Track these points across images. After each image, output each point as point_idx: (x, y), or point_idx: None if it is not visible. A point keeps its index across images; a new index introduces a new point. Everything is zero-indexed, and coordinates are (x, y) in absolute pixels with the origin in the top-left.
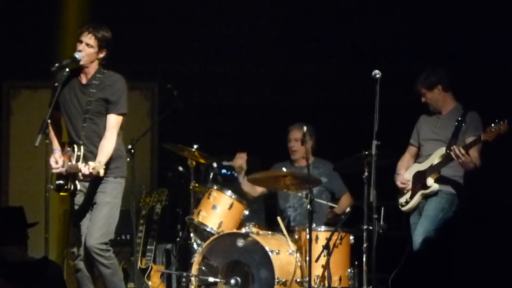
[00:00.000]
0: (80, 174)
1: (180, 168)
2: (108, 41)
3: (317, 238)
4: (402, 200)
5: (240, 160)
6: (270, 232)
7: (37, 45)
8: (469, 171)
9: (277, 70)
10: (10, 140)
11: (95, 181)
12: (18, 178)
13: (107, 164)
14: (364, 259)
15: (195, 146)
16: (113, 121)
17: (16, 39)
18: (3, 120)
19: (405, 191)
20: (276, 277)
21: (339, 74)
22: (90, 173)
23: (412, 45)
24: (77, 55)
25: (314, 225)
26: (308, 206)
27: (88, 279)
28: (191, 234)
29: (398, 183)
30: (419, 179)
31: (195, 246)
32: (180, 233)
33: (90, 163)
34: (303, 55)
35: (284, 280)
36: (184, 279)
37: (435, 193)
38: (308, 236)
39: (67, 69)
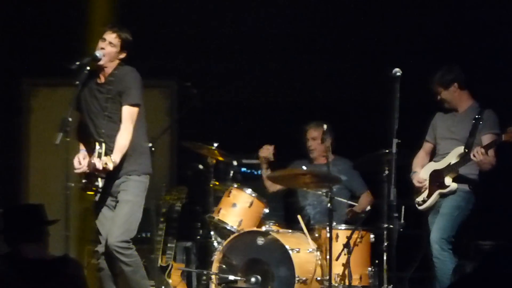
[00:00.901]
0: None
1: (200, 166)
2: (129, 43)
3: (337, 236)
4: (419, 199)
5: (267, 151)
6: (290, 230)
7: (56, 43)
8: (485, 170)
9: (296, 68)
10: (29, 138)
11: (118, 179)
12: (38, 176)
13: (130, 162)
14: (384, 257)
15: (214, 144)
16: (127, 113)
17: (35, 37)
18: (22, 118)
19: (422, 190)
20: (296, 275)
21: (358, 71)
22: (103, 168)
23: (429, 43)
24: (97, 53)
25: (334, 223)
26: (328, 204)
27: (110, 278)
28: (211, 232)
29: (415, 182)
30: (436, 178)
31: (215, 244)
32: (200, 231)
33: (103, 158)
34: (321, 53)
35: (304, 278)
36: (204, 277)
37: (452, 192)
38: (328, 235)
39: (88, 67)
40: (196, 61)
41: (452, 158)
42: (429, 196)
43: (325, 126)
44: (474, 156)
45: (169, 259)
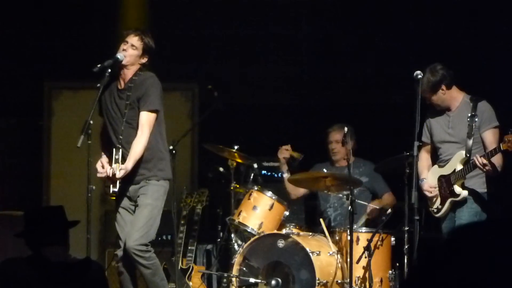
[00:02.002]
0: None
1: (221, 169)
2: (151, 48)
3: (358, 239)
4: (433, 207)
5: (286, 152)
6: (310, 233)
7: (78, 45)
8: (492, 176)
9: (317, 70)
10: (51, 141)
11: (137, 184)
12: (60, 178)
13: (149, 168)
14: (405, 260)
15: (235, 147)
16: (144, 119)
17: (57, 40)
18: (44, 121)
19: (433, 198)
20: (317, 278)
21: (379, 73)
22: (113, 175)
23: (450, 45)
24: (119, 55)
25: (355, 226)
26: (349, 207)
27: (130, 281)
28: (232, 235)
29: (426, 192)
30: (446, 184)
31: (235, 246)
32: (221, 234)
33: (113, 165)
34: (342, 55)
35: (325, 281)
36: (225, 280)
37: (464, 200)
38: (349, 237)
39: (109, 70)
40: (217, 64)
41: (456, 163)
42: (442, 204)
43: (345, 129)
44: (474, 163)
45: (189, 262)
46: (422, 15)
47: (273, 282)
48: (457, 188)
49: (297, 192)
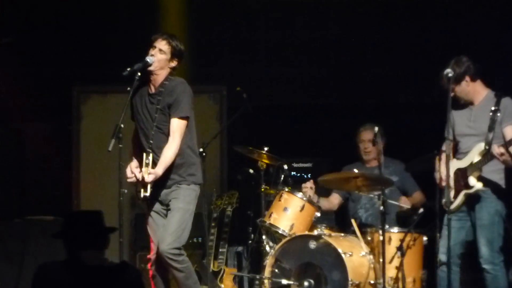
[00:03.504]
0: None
1: (251, 171)
2: (180, 52)
3: (390, 239)
4: (445, 199)
5: (309, 190)
6: (342, 234)
7: (106, 50)
8: (510, 167)
9: (346, 70)
10: (80, 145)
11: (168, 188)
12: (89, 182)
13: (180, 173)
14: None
15: (265, 149)
16: (175, 125)
17: (86, 44)
18: (73, 125)
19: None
20: (349, 279)
21: (410, 73)
22: (142, 179)
23: (482, 43)
24: (148, 59)
25: (386, 226)
26: (381, 207)
27: (162, 285)
28: (263, 237)
29: (438, 181)
30: (461, 177)
31: (267, 248)
32: (252, 236)
33: (143, 169)
34: (371, 55)
35: (357, 282)
36: (256, 282)
37: (479, 194)
38: (381, 238)
39: (139, 74)
40: (246, 66)
41: (474, 156)
42: (455, 196)
43: (376, 129)
44: (493, 152)
45: (221, 264)
46: (453, 14)
47: (306, 283)
48: (471, 180)
49: (333, 206)
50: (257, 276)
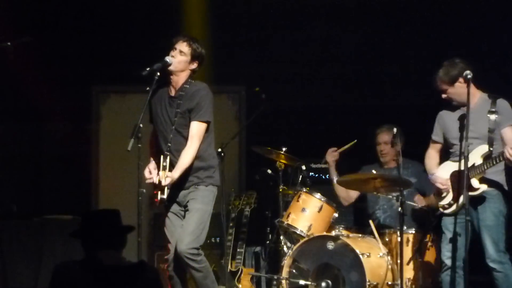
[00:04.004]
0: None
1: (269, 171)
2: (200, 54)
3: (408, 240)
4: (443, 202)
5: (335, 154)
6: (360, 235)
7: (125, 50)
8: None
9: (364, 72)
10: (99, 144)
11: (185, 190)
12: (108, 182)
13: (198, 175)
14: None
15: (283, 149)
16: (195, 129)
17: (104, 44)
18: (92, 125)
19: (444, 193)
20: (367, 280)
21: (427, 74)
22: (159, 182)
23: (500, 43)
24: (167, 58)
25: (405, 227)
26: (399, 209)
27: (180, 285)
28: (281, 237)
29: (439, 185)
30: (461, 180)
31: (285, 249)
32: (270, 236)
33: (160, 172)
34: (390, 56)
35: (375, 283)
36: (274, 282)
37: (483, 196)
38: (399, 239)
39: (158, 74)
40: (264, 66)
41: (476, 158)
42: (455, 199)
43: (395, 130)
44: (506, 156)
45: (238, 264)
46: (471, 16)
47: (323, 284)
48: (475, 182)
49: (349, 198)
50: (275, 277)
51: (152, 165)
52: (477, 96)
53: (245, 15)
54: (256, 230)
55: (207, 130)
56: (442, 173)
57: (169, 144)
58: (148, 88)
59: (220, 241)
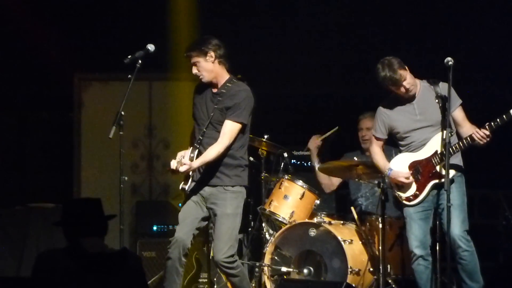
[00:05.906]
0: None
1: (251, 158)
2: (210, 49)
3: (390, 226)
4: (407, 194)
5: (317, 141)
6: (342, 222)
7: (107, 37)
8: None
9: (346, 60)
10: (81, 132)
11: (214, 186)
12: (90, 169)
13: (226, 173)
14: (437, 247)
15: (265, 136)
16: (228, 127)
17: (86, 32)
18: (74, 113)
19: (406, 185)
20: (349, 267)
21: (410, 61)
22: (176, 168)
23: (490, 36)
24: (149, 46)
25: (387, 214)
26: (381, 195)
27: (176, 271)
28: (263, 224)
29: (402, 179)
30: (423, 169)
31: (267, 236)
32: (252, 223)
33: (183, 160)
34: (373, 45)
35: (357, 269)
36: (256, 269)
37: (451, 179)
38: (380, 225)
39: (140, 61)
40: (245, 54)
41: (436, 145)
42: (420, 189)
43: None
44: (476, 136)
45: None
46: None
47: (305, 271)
48: (441, 169)
49: (331, 185)
50: (257, 264)
51: (183, 153)
52: (418, 85)
53: (226, 3)
54: None
55: (242, 131)
56: (399, 167)
57: (201, 138)
58: (129, 76)
59: (203, 228)
